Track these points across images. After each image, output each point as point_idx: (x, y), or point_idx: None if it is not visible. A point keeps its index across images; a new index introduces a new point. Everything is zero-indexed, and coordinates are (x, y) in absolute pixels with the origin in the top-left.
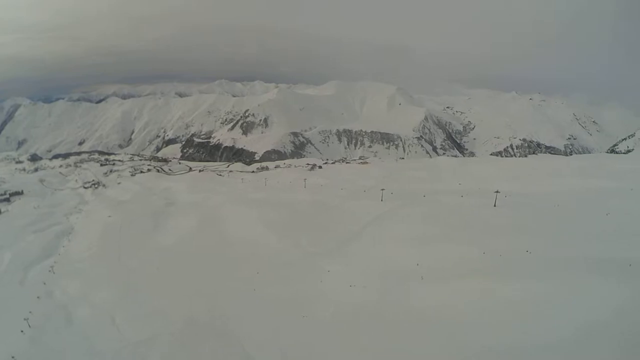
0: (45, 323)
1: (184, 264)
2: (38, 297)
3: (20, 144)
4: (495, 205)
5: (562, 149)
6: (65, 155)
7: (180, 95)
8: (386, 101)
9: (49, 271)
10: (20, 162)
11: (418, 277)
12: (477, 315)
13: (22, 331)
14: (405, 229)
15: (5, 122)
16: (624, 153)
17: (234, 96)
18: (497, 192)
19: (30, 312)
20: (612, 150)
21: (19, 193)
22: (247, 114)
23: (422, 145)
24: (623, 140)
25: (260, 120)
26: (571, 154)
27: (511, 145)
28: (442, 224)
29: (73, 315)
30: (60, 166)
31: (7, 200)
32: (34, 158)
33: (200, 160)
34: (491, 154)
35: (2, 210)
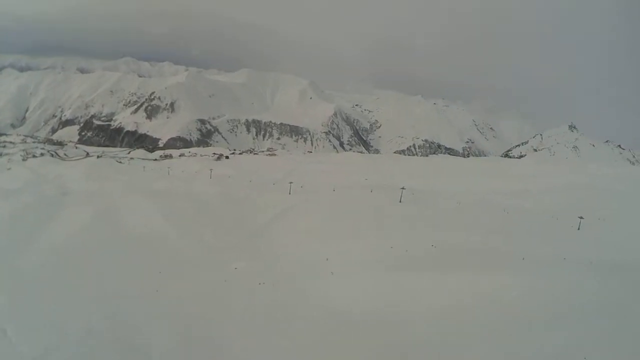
0: None
1: (79, 263)
2: None
3: None
4: (400, 201)
5: (461, 151)
6: None
7: (82, 71)
8: (297, 94)
9: None
10: None
11: (328, 272)
12: (388, 309)
13: None
14: (313, 223)
15: None
16: (517, 158)
17: (140, 76)
18: (402, 188)
19: None
20: (506, 155)
21: None
22: (152, 97)
23: (329, 140)
24: (517, 146)
25: (167, 104)
26: (469, 156)
27: (414, 145)
28: (351, 218)
29: None
30: None
31: None
32: None
33: (99, 145)
34: (395, 152)
35: None
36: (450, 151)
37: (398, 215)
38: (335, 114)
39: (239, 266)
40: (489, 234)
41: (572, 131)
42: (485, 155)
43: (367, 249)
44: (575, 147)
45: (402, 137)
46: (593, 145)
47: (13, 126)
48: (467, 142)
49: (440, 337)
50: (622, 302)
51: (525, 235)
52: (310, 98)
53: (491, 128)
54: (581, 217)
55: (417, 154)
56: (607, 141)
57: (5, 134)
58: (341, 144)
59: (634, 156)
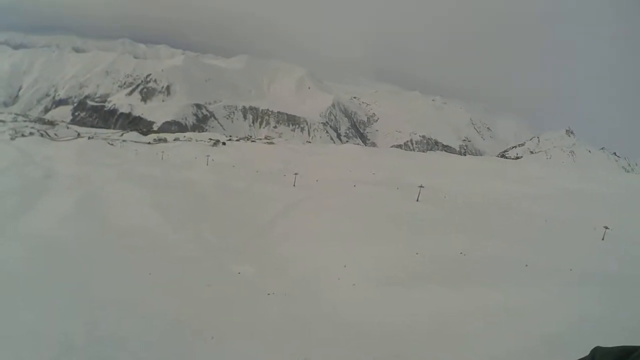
0: None
1: (58, 260)
2: None
3: None
4: (418, 200)
5: (457, 148)
6: None
7: (77, 50)
8: (295, 83)
9: None
10: None
11: (349, 282)
12: (420, 328)
13: None
14: (323, 221)
15: None
16: (513, 159)
17: (135, 58)
18: (421, 186)
19: None
20: (503, 155)
21: None
22: (148, 79)
23: (327, 131)
24: (513, 147)
25: (163, 87)
26: (465, 154)
27: (411, 140)
28: (365, 218)
29: None
30: None
31: None
32: None
33: (92, 126)
34: (392, 146)
35: None
36: (447, 148)
37: (418, 216)
38: (333, 105)
39: (242, 270)
40: (515, 241)
41: (569, 136)
42: (481, 155)
43: (389, 255)
44: (572, 152)
45: (399, 132)
46: (589, 151)
47: (5, 104)
48: (464, 140)
49: None
50: None
51: (554, 246)
52: (309, 88)
53: (488, 128)
54: (606, 227)
55: (414, 149)
56: (602, 148)
57: None
58: (338, 136)
59: (629, 164)
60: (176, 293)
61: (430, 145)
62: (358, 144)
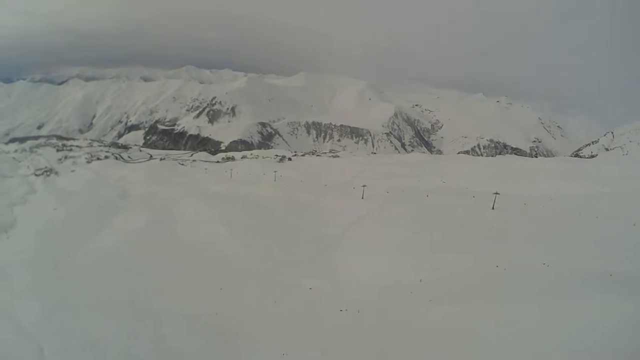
0: None
1: (127, 272)
2: None
3: None
4: (493, 208)
5: (528, 150)
6: (23, 139)
7: (145, 79)
8: (356, 96)
9: None
10: None
11: (425, 298)
12: (505, 347)
13: None
14: (395, 233)
15: None
16: (588, 158)
17: (201, 83)
18: (496, 193)
19: None
20: (576, 155)
21: None
22: (214, 102)
23: (391, 141)
24: (587, 145)
25: (228, 108)
26: (536, 156)
27: (478, 145)
28: (438, 228)
29: None
30: (15, 151)
31: None
32: None
33: (163, 148)
34: (459, 153)
35: None
36: (516, 151)
37: (495, 226)
38: (395, 115)
39: (314, 286)
40: (601, 248)
41: None
42: (553, 155)
43: (467, 268)
44: None
45: (465, 137)
46: None
47: (81, 131)
48: (534, 141)
49: None
50: None
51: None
52: (369, 99)
53: (558, 126)
54: None
55: (482, 154)
56: None
57: (74, 139)
58: (402, 145)
59: None
60: (247, 309)
61: (499, 149)
62: (423, 152)
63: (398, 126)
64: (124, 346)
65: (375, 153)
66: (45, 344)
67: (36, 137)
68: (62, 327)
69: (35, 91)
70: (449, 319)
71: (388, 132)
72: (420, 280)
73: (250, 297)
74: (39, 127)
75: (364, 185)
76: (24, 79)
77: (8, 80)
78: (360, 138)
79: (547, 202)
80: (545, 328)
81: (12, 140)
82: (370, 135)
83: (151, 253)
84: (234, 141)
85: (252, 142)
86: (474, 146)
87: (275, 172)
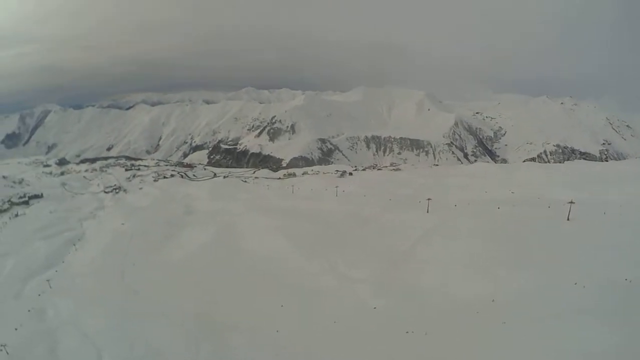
0: (25, 354)
1: (191, 286)
2: (29, 311)
3: (50, 148)
4: (568, 219)
5: (597, 154)
6: (93, 160)
7: (207, 102)
8: (414, 107)
9: (47, 281)
10: (47, 165)
11: (498, 320)
12: None
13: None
14: (465, 248)
15: (35, 128)
16: None
17: (260, 103)
18: (571, 202)
19: (16, 328)
20: None
21: (38, 196)
22: (274, 121)
23: (452, 152)
24: None
25: (287, 126)
26: (607, 160)
27: (545, 152)
28: (511, 242)
29: (58, 345)
30: (86, 170)
31: (26, 203)
32: (62, 162)
33: (227, 167)
34: (524, 160)
35: (19, 213)
36: (585, 156)
37: (571, 239)
38: (456, 124)
39: (379, 305)
40: None
41: None
42: (624, 158)
43: (543, 286)
44: None
45: (530, 144)
46: None
47: (148, 152)
48: (604, 144)
49: None
50: None
51: None
52: (428, 109)
53: (628, 125)
54: None
55: (549, 161)
56: None
57: (141, 159)
58: (465, 155)
59: None
60: (308, 329)
61: (567, 154)
62: (487, 161)
63: (459, 136)
64: (186, 357)
65: (437, 165)
66: (104, 353)
67: (106, 158)
68: (125, 336)
69: (104, 116)
70: (525, 344)
71: (449, 142)
72: (493, 300)
73: (311, 315)
74: (109, 149)
75: (429, 199)
76: (93, 105)
77: (78, 107)
78: (421, 150)
79: (624, 209)
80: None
81: (83, 161)
82: (431, 146)
83: (215, 266)
84: (295, 158)
85: (312, 158)
86: (540, 152)
87: (336, 187)
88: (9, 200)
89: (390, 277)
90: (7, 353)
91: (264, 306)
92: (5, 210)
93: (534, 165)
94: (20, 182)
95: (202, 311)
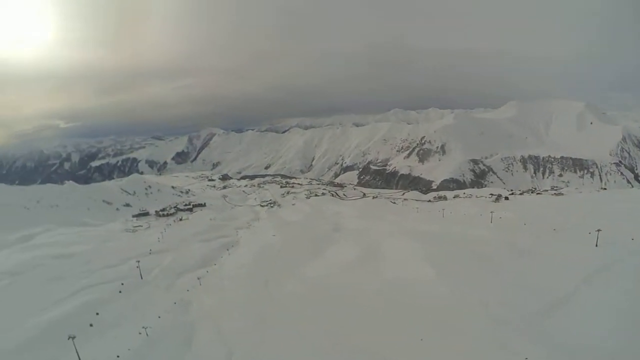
0: (163, 338)
1: (331, 304)
2: (175, 303)
3: (215, 165)
4: None
5: None
6: (252, 177)
7: (357, 125)
8: (575, 121)
9: (198, 279)
10: (212, 180)
11: None
12: None
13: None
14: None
15: (202, 148)
16: None
17: (408, 124)
18: None
19: (159, 316)
20: None
21: (201, 205)
22: (423, 141)
23: (621, 173)
24: None
25: (437, 147)
26: None
27: None
28: None
29: (194, 338)
30: (245, 185)
31: (190, 210)
32: (224, 177)
33: (376, 187)
34: None
35: (182, 218)
36: None
37: None
38: (623, 139)
39: (530, 356)
40: None
41: None
42: None
43: None
44: None
45: None
46: None
47: (302, 172)
48: None
49: None
50: None
51: None
52: (591, 123)
53: None
54: None
55: None
56: None
57: (296, 177)
58: (636, 177)
59: None
60: None
61: None
62: None
63: (628, 153)
64: None
65: (605, 188)
66: (236, 352)
67: (263, 176)
68: (255, 343)
69: (262, 139)
70: None
71: (617, 161)
72: None
73: (450, 354)
74: (266, 167)
75: (598, 230)
76: (252, 129)
77: (239, 130)
78: (585, 171)
79: None
80: None
81: (244, 177)
82: (597, 166)
83: (356, 287)
84: (445, 180)
85: (463, 181)
86: None
87: (492, 212)
88: (176, 207)
89: (545, 323)
90: (147, 335)
91: (400, 336)
92: (171, 215)
93: None
94: (186, 192)
95: (336, 331)
